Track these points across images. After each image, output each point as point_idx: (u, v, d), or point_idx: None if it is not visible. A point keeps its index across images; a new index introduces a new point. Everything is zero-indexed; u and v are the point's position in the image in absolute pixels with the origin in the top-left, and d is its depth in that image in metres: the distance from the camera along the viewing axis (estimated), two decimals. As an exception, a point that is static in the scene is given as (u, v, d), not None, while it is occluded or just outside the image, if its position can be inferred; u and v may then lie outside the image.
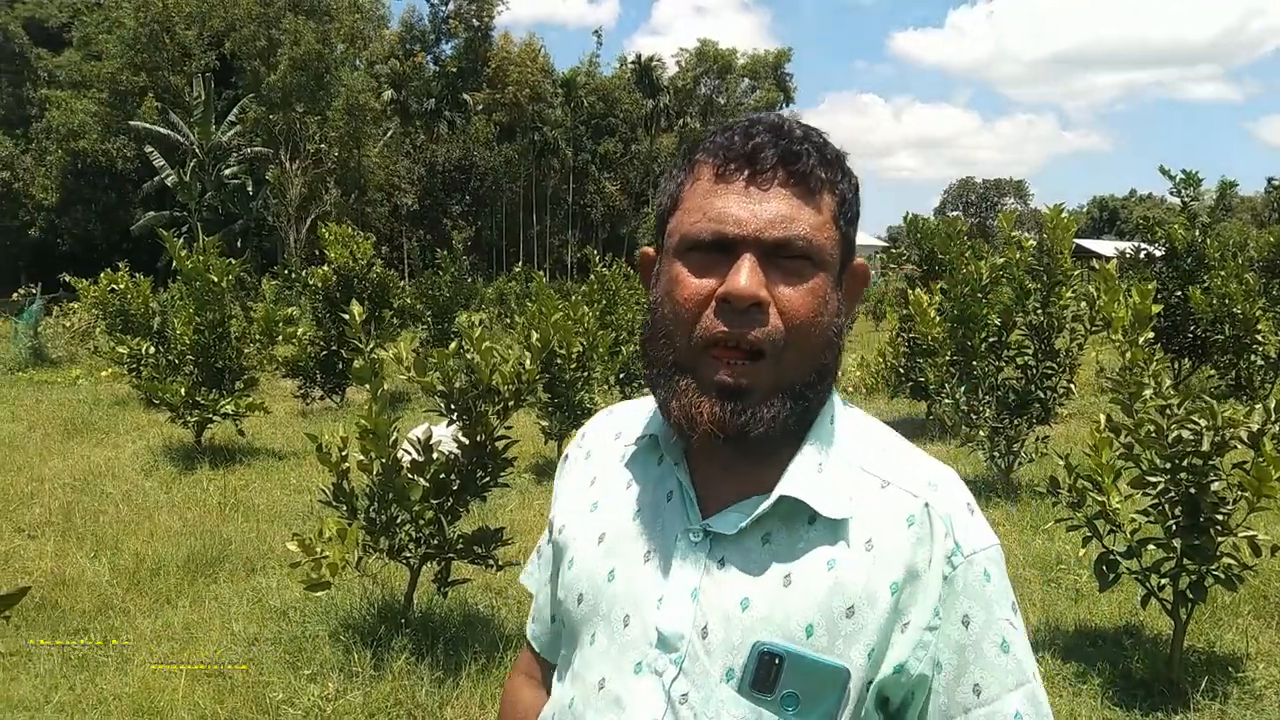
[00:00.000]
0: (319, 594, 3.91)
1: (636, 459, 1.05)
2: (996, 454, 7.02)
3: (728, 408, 0.89)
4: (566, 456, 1.17)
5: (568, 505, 1.10)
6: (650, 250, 1.04)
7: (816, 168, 0.92)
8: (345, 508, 4.21)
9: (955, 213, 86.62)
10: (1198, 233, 10.83)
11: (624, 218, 60.38)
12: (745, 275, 0.87)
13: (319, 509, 5.92)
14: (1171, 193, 11.19)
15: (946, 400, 7.29)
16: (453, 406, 4.21)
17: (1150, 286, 4.64)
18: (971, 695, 0.90)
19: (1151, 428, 3.73)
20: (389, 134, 46.94)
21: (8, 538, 6.05)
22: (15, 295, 25.27)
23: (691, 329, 0.90)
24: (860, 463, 0.95)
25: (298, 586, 4.15)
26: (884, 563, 0.90)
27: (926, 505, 0.92)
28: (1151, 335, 4.51)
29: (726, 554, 0.92)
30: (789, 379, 0.90)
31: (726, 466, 0.96)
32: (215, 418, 8.57)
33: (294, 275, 13.35)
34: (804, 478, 0.92)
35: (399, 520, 4.24)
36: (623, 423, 1.12)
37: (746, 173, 0.91)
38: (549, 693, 1.14)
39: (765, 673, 0.88)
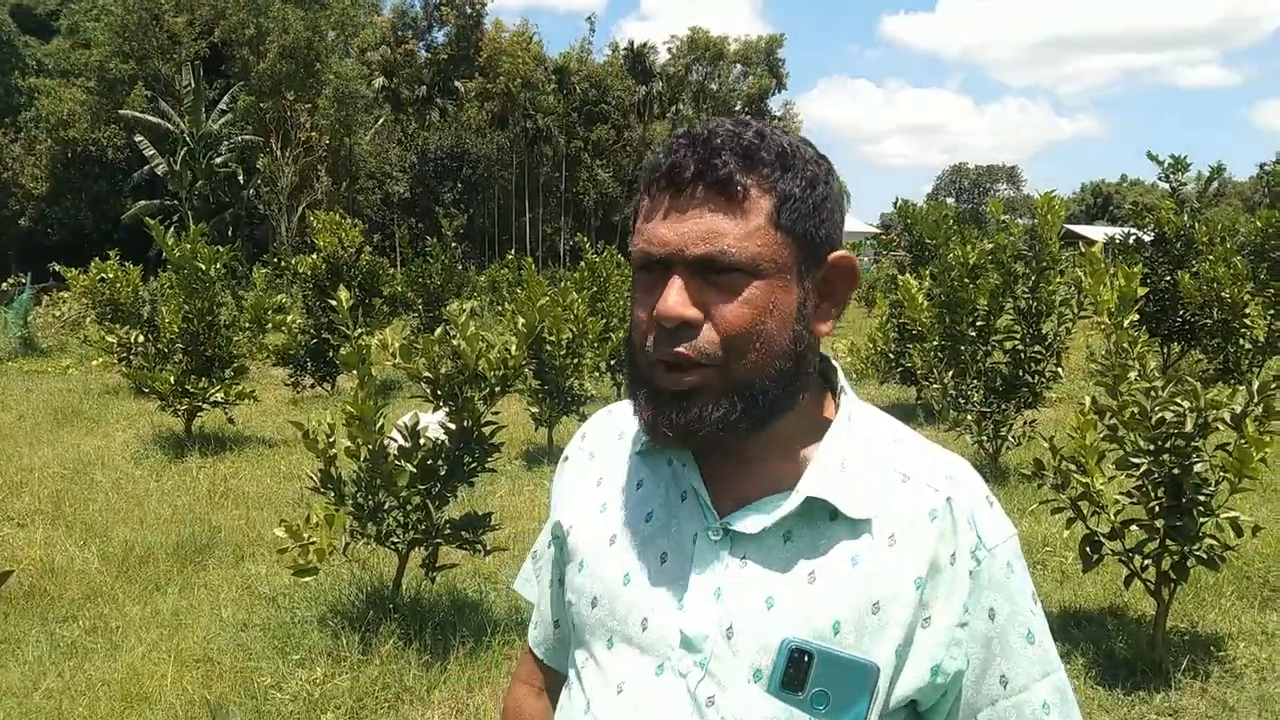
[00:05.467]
0: (307, 579, 3.93)
1: (646, 460, 1.03)
2: (984, 438, 7.05)
3: (673, 409, 0.90)
4: (567, 457, 1.14)
5: (574, 507, 1.07)
6: None
7: (736, 173, 0.89)
8: (333, 494, 4.22)
9: (949, 199, 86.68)
10: (1187, 217, 10.86)
11: (616, 205, 60.24)
12: (670, 296, 0.88)
13: (309, 496, 5.93)
14: (1160, 178, 11.22)
15: (935, 385, 7.31)
16: (439, 392, 4.22)
17: (1136, 269, 4.66)
18: (999, 686, 0.91)
19: (1135, 410, 3.75)
20: (380, 122, 46.76)
21: (-3, 526, 6.05)
22: (5, 285, 25.17)
23: (644, 347, 0.92)
24: (879, 458, 0.94)
25: (286, 573, 4.16)
26: (908, 558, 0.89)
27: (949, 499, 0.92)
28: (1137, 318, 4.53)
29: (748, 552, 0.91)
30: (742, 383, 0.90)
31: (740, 466, 0.95)
32: (205, 406, 8.57)
33: (284, 263, 13.33)
34: (827, 477, 0.92)
35: (386, 506, 4.25)
36: (625, 422, 1.09)
37: (670, 190, 0.90)
38: (554, 701, 1.13)
39: (795, 670, 0.87)
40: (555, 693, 1.14)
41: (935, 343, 7.28)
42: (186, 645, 4.21)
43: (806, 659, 0.87)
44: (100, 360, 12.36)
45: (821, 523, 0.91)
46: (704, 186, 0.89)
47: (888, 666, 0.87)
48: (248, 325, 9.28)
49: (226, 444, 8.60)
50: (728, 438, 0.91)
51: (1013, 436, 7.09)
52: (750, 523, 0.91)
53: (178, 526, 5.96)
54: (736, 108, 63.75)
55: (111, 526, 5.98)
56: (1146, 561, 3.79)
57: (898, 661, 0.88)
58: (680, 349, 0.89)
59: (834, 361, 1.03)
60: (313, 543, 3.82)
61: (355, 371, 4.12)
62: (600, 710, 0.95)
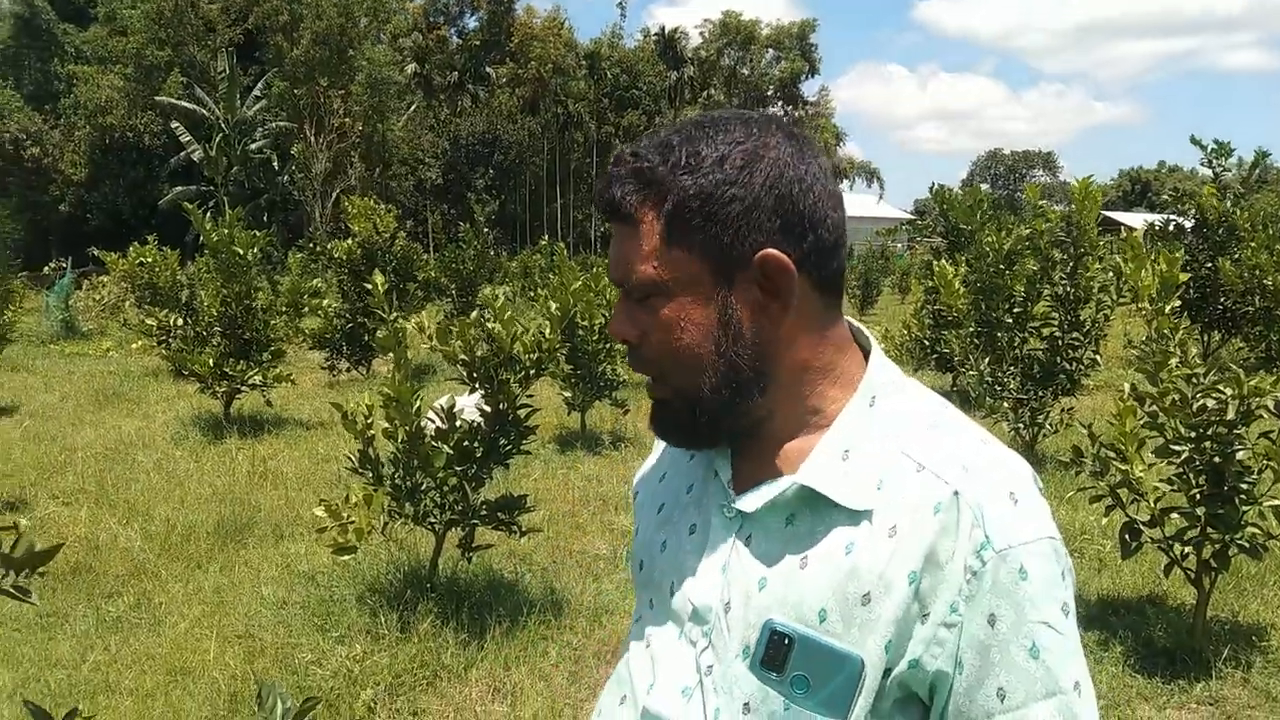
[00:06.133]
0: (345, 558, 3.98)
1: None
2: (1021, 425, 6.99)
3: (654, 414, 1.01)
4: None
5: (645, 476, 1.16)
6: None
7: (627, 198, 0.91)
8: (371, 474, 4.27)
9: (984, 185, 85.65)
10: (1229, 203, 10.67)
11: (647, 191, 59.98)
12: (613, 319, 0.98)
13: (346, 477, 6.00)
14: (1203, 163, 11.01)
15: (971, 372, 7.26)
16: (474, 375, 4.26)
17: (1178, 255, 4.60)
18: (995, 700, 0.84)
19: (1176, 396, 3.71)
20: (413, 108, 46.94)
21: (43, 504, 6.19)
22: (46, 269, 25.65)
23: None
24: (901, 444, 0.89)
25: (325, 552, 4.22)
26: (904, 551, 0.84)
27: (956, 493, 0.84)
28: (1178, 304, 4.47)
29: (753, 532, 0.93)
30: (685, 396, 0.95)
31: (762, 449, 0.97)
32: (243, 388, 8.69)
33: (319, 248, 13.47)
34: (824, 465, 0.90)
35: (423, 487, 4.29)
36: None
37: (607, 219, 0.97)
38: None
39: (775, 652, 0.87)
40: None
41: (971, 329, 7.22)
42: (228, 622, 4.29)
43: (787, 642, 0.87)
44: (140, 343, 12.52)
45: (825, 509, 0.89)
46: (611, 215, 0.94)
47: (876, 661, 0.84)
48: (284, 309, 9.38)
49: (264, 426, 8.72)
50: (685, 443, 1.00)
51: (1050, 424, 7.02)
52: (749, 501, 0.94)
53: (218, 506, 6.06)
54: (769, 93, 63.36)
55: (153, 506, 6.10)
56: (1187, 549, 3.75)
57: (889, 656, 0.85)
58: (635, 365, 0.99)
59: (873, 341, 0.99)
60: (351, 522, 3.87)
61: (391, 354, 4.16)
62: (632, 660, 1.02)
